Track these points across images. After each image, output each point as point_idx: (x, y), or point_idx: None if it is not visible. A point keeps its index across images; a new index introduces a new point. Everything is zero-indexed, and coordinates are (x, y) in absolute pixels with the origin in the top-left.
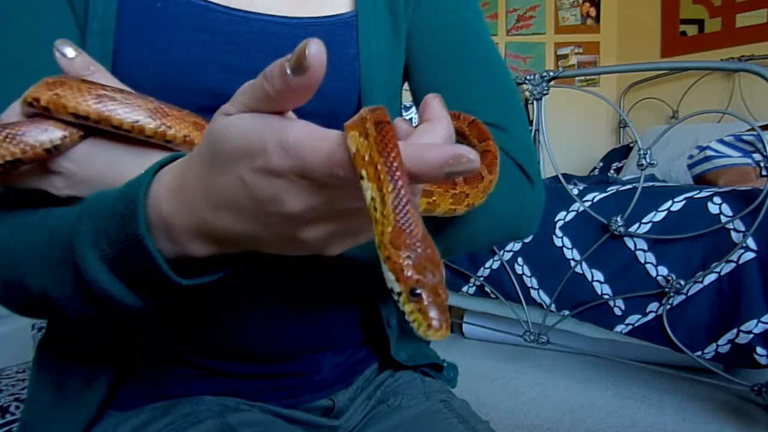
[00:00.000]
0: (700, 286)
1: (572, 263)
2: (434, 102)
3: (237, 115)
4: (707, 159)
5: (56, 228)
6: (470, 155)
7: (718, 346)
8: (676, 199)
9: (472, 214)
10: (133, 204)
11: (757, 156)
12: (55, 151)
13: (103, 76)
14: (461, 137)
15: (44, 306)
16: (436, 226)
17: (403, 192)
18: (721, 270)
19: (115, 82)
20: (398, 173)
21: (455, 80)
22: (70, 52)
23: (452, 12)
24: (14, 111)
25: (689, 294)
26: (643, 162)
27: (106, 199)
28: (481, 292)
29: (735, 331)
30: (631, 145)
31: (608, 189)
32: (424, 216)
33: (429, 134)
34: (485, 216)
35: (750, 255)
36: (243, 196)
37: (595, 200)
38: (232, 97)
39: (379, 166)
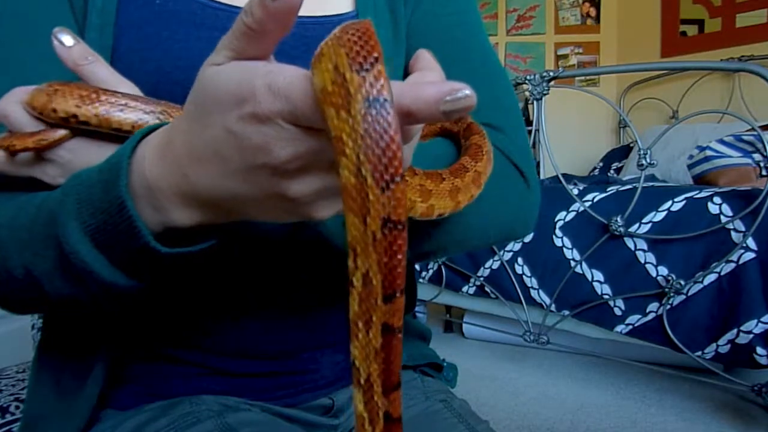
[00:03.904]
0: (700, 286)
1: (572, 263)
2: (426, 54)
3: (225, 64)
4: (707, 159)
5: (42, 204)
6: (467, 90)
7: (718, 346)
8: (676, 199)
9: (467, 214)
10: (116, 167)
11: (757, 156)
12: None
13: (101, 66)
14: (448, 135)
15: (27, 290)
16: (432, 224)
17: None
18: (721, 270)
19: (113, 74)
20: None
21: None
22: (68, 40)
23: (451, 14)
24: (14, 97)
25: (689, 294)
26: (643, 162)
27: (92, 169)
28: (481, 292)
29: (735, 331)
30: (631, 145)
31: (608, 189)
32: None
33: (421, 78)
34: (481, 215)
35: (750, 255)
36: (229, 148)
37: (595, 200)
38: (216, 47)
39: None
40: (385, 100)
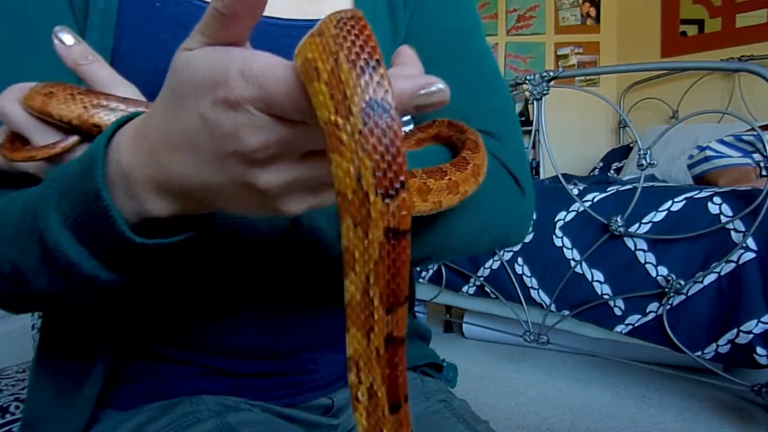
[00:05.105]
0: (700, 286)
1: (572, 263)
2: (408, 50)
3: (199, 49)
4: (707, 159)
5: (28, 200)
6: (440, 84)
7: (718, 346)
8: (676, 199)
9: (462, 220)
10: (93, 157)
11: (757, 156)
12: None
13: (100, 66)
14: (441, 140)
15: (16, 286)
16: (428, 230)
17: None
18: (721, 270)
19: (112, 74)
20: None
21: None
22: (68, 39)
23: (450, 19)
24: (11, 95)
25: (689, 294)
26: (643, 162)
27: (72, 162)
28: (481, 292)
29: (735, 331)
30: (631, 145)
31: (608, 189)
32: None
33: (400, 71)
34: (475, 221)
35: (750, 255)
36: (201, 134)
37: (595, 200)
38: (192, 32)
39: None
40: (389, 105)
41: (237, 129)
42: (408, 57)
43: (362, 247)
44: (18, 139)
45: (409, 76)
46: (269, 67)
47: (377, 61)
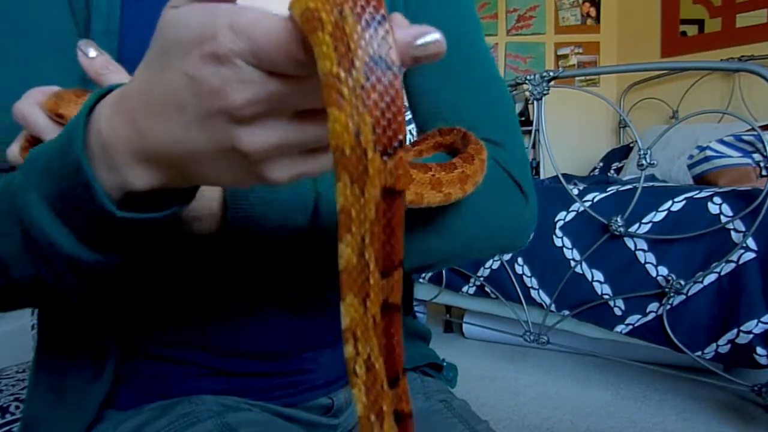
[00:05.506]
0: (700, 286)
1: (572, 263)
2: (399, 17)
3: (185, 6)
4: (707, 159)
5: (8, 182)
6: (437, 34)
7: (718, 346)
8: (676, 199)
9: (468, 225)
10: (73, 130)
11: (757, 156)
12: None
13: (119, 75)
14: (447, 149)
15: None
16: (434, 236)
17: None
18: (721, 270)
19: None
20: None
21: (454, 96)
22: (92, 52)
23: (452, 21)
24: (31, 98)
25: (689, 294)
26: (643, 162)
27: (51, 140)
28: (481, 292)
29: (735, 331)
30: (631, 145)
31: (608, 189)
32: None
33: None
34: (481, 227)
35: (750, 255)
36: (185, 93)
37: (595, 200)
38: None
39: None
40: (393, 62)
41: (224, 84)
42: (400, 21)
43: (358, 206)
44: (37, 143)
45: (402, 26)
46: (260, 20)
47: (383, 15)
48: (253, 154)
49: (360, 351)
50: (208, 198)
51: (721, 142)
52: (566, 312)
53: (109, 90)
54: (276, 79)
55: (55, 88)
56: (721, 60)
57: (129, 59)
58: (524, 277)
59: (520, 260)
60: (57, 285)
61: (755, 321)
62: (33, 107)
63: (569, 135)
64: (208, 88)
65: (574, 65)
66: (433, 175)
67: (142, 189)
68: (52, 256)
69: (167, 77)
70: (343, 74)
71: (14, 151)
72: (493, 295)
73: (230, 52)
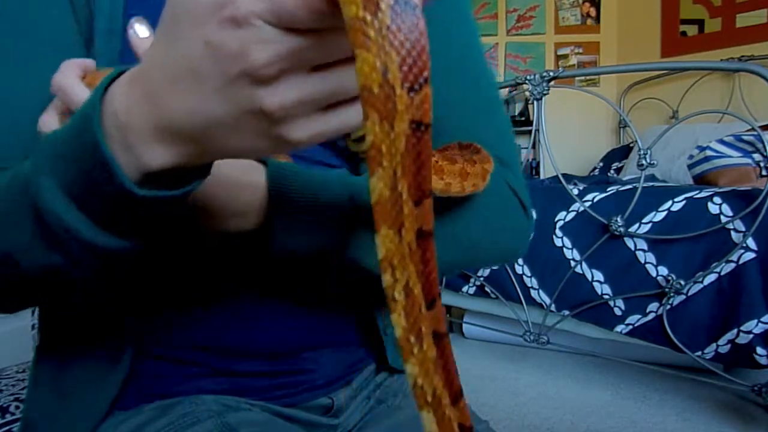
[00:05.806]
0: (700, 286)
1: (572, 263)
2: None
3: None
4: (707, 159)
5: (16, 173)
6: None
7: (718, 346)
8: (676, 199)
9: (476, 235)
10: (89, 111)
11: (757, 156)
12: None
13: None
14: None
15: (6, 268)
16: (442, 244)
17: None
18: (721, 270)
19: None
20: None
21: (467, 123)
22: (143, 31)
23: (450, 27)
24: (70, 71)
25: (689, 294)
26: (643, 162)
27: (63, 126)
28: (481, 292)
29: (735, 331)
30: (631, 145)
31: (608, 189)
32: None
33: None
34: (488, 237)
35: (750, 255)
36: (205, 61)
37: (595, 200)
38: None
39: None
40: (416, 3)
41: (244, 47)
42: None
43: (389, 140)
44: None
45: None
46: None
47: None
48: (277, 112)
49: (398, 278)
50: (251, 193)
51: (721, 142)
52: (566, 312)
53: (121, 72)
54: (294, 34)
55: (89, 61)
56: (721, 60)
57: (132, 60)
58: (524, 277)
59: (520, 260)
60: (71, 271)
61: (755, 321)
62: (73, 80)
63: (569, 135)
64: (227, 52)
65: (574, 65)
66: (437, 161)
67: (159, 168)
68: (68, 244)
69: (184, 46)
70: (369, 17)
71: (45, 121)
72: (493, 295)
73: (251, 13)
